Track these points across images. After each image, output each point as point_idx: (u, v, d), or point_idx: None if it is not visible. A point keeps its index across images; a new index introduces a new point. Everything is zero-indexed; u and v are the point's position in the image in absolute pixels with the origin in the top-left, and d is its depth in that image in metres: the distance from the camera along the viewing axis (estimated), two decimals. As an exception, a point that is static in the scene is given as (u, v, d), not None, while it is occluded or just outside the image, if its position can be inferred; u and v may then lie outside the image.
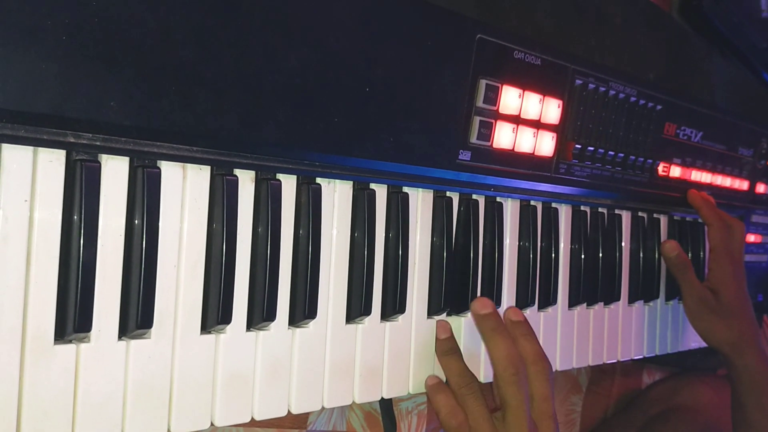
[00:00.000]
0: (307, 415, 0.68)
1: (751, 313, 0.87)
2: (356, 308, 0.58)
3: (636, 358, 0.88)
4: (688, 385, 1.04)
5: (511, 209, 0.72)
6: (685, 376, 1.08)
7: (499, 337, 0.62)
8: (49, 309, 0.42)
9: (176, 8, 0.44)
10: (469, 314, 0.67)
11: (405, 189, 0.61)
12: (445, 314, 0.65)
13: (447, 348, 0.63)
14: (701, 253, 0.97)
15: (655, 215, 0.90)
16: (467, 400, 0.60)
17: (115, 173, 0.44)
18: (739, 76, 1.08)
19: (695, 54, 0.96)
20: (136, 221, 0.45)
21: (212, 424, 0.49)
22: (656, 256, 0.90)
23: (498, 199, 0.70)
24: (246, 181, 0.51)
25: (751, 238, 1.11)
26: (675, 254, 0.87)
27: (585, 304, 0.80)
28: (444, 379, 0.63)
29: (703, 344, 1.00)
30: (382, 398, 0.68)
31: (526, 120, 0.68)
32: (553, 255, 0.75)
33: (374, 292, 0.59)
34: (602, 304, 0.83)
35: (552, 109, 0.71)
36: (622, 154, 0.80)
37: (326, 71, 0.52)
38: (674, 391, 1.04)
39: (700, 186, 0.95)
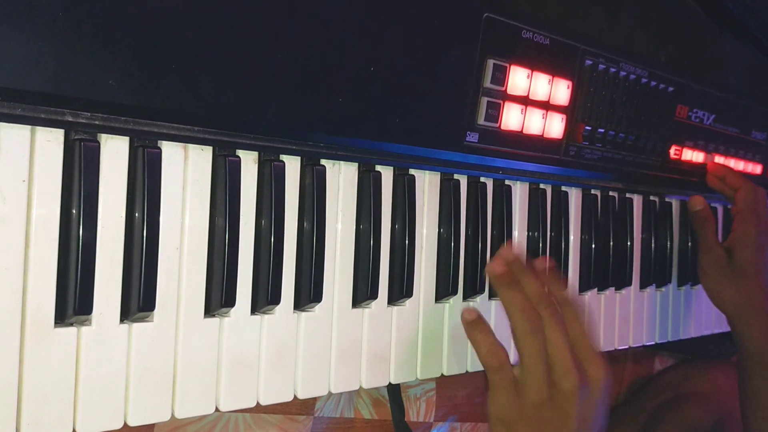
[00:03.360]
0: (314, 401, 0.67)
1: (765, 280, 0.84)
2: (362, 292, 0.57)
3: (648, 344, 0.87)
4: (700, 370, 1.03)
5: (519, 192, 0.70)
6: (697, 362, 1.06)
7: (528, 276, 0.58)
8: (49, 291, 0.41)
9: (175, -16, 0.43)
10: (478, 299, 0.66)
11: (411, 171, 0.60)
12: (452, 298, 0.64)
13: (509, 281, 0.58)
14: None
15: (666, 199, 0.89)
16: (528, 341, 0.55)
17: (114, 153, 0.44)
18: (752, 59, 1.06)
19: (708, 36, 0.94)
20: (137, 202, 0.44)
21: (217, 409, 0.49)
22: (668, 240, 0.88)
23: (506, 182, 0.69)
24: (249, 162, 0.50)
25: (765, 222, 1.09)
26: (700, 208, 0.86)
27: (596, 290, 0.79)
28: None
29: (716, 330, 0.99)
30: (390, 384, 0.67)
31: (534, 101, 0.67)
32: (562, 239, 0.74)
33: (381, 276, 0.58)
34: (613, 289, 0.81)
35: (561, 90, 0.70)
36: (633, 137, 0.79)
37: (330, 50, 0.51)
38: (686, 376, 1.03)
39: (712, 169, 0.93)
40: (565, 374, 0.55)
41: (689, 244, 0.91)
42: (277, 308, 0.52)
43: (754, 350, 0.81)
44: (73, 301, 0.41)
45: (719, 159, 0.94)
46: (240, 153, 0.49)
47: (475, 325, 0.57)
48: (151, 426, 0.57)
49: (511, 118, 0.65)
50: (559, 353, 0.55)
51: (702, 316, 0.96)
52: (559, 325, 0.57)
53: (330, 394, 0.66)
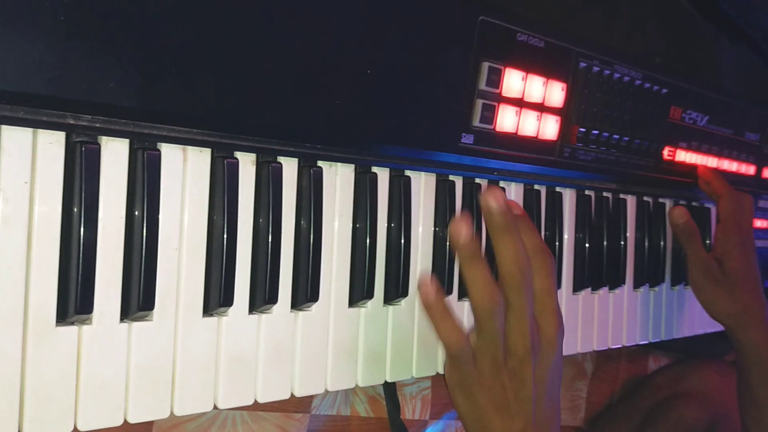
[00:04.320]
0: (310, 399, 0.68)
1: (758, 286, 0.85)
2: (359, 292, 0.58)
3: (642, 343, 0.88)
4: (695, 370, 1.04)
5: (514, 193, 0.71)
6: (692, 362, 1.07)
7: (508, 236, 0.55)
8: (50, 291, 0.42)
9: (175, -11, 0.43)
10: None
11: (407, 172, 0.61)
12: (447, 297, 0.64)
13: (471, 253, 0.55)
14: (707, 239, 0.97)
15: (660, 200, 0.90)
16: (486, 313, 0.54)
17: (115, 155, 0.44)
18: (747, 60, 1.07)
19: (702, 38, 0.95)
20: (137, 203, 0.45)
21: (215, 407, 0.49)
22: (661, 240, 0.89)
23: (501, 182, 0.70)
24: (247, 163, 0.51)
25: (758, 223, 1.10)
26: (683, 221, 0.85)
27: (590, 289, 0.80)
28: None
29: (711, 329, 1.00)
30: (386, 382, 0.68)
31: (529, 103, 0.68)
32: (557, 239, 0.75)
33: (377, 276, 0.58)
34: (607, 288, 0.82)
35: (556, 92, 0.70)
36: (627, 138, 0.80)
37: (327, 53, 0.52)
38: (680, 376, 1.04)
39: (706, 170, 0.94)
40: (519, 340, 0.55)
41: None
42: (275, 308, 0.52)
43: (755, 357, 0.82)
44: (75, 301, 0.42)
45: (713, 160, 0.95)
46: (238, 155, 0.50)
47: (430, 307, 0.55)
48: (150, 423, 0.57)
49: (506, 119, 0.66)
50: (516, 321, 0.55)
51: (695, 316, 0.97)
52: (524, 291, 0.55)
53: (327, 392, 0.67)
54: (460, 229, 0.54)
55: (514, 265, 0.55)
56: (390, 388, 0.72)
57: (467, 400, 0.56)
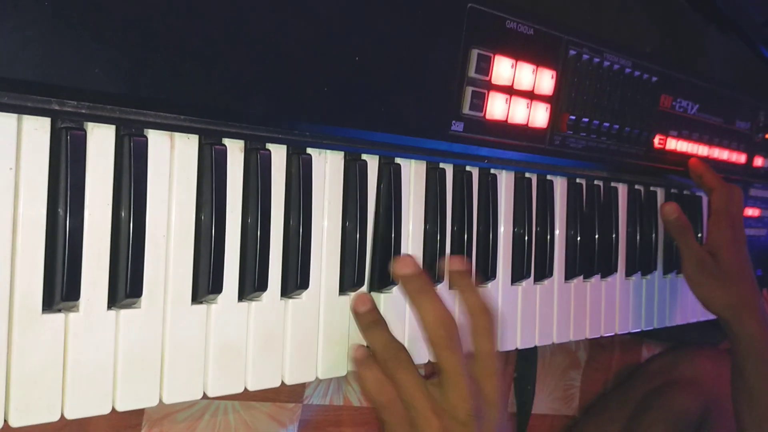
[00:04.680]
0: (303, 388, 0.68)
1: (751, 278, 0.85)
2: (349, 280, 0.57)
3: (634, 331, 0.88)
4: (687, 358, 1.04)
5: (505, 181, 0.71)
6: (684, 350, 1.08)
7: (425, 297, 0.54)
8: (36, 278, 0.42)
9: (159, -27, 0.43)
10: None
11: (397, 160, 0.61)
12: (439, 285, 0.64)
13: (369, 321, 0.56)
14: (699, 228, 0.97)
15: (652, 188, 0.90)
16: (396, 372, 0.53)
17: (101, 141, 0.44)
18: (736, 50, 1.07)
19: (692, 28, 0.95)
20: (124, 190, 0.45)
21: (205, 395, 0.49)
22: (653, 228, 0.89)
23: (492, 170, 0.69)
24: (235, 150, 0.50)
25: (750, 212, 1.10)
26: (675, 217, 0.85)
27: (582, 277, 0.80)
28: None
29: (703, 318, 1.00)
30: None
31: (519, 91, 0.68)
32: (548, 227, 0.75)
33: (367, 264, 0.58)
34: (599, 276, 0.82)
35: (545, 80, 0.70)
36: (617, 126, 0.80)
37: (315, 40, 0.51)
38: (673, 364, 1.04)
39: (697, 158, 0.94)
40: (460, 403, 0.53)
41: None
42: (264, 295, 0.52)
43: (751, 349, 0.82)
44: (61, 288, 0.42)
45: (703, 148, 0.95)
46: (226, 141, 0.50)
47: (361, 365, 0.54)
48: (141, 413, 0.57)
49: (496, 107, 0.66)
50: (452, 383, 0.53)
51: (688, 304, 0.97)
52: (455, 352, 0.53)
53: (318, 380, 0.67)
54: (358, 300, 0.56)
55: (438, 326, 0.54)
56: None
57: None
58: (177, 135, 0.47)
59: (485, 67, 0.64)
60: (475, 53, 0.63)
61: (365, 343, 0.57)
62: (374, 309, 0.57)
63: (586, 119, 0.76)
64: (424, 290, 0.55)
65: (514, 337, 0.72)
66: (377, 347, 0.55)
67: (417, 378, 0.53)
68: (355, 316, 0.57)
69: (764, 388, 0.82)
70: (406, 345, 0.58)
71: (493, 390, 0.55)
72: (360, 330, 0.57)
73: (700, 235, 0.96)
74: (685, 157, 0.92)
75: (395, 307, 0.61)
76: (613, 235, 0.83)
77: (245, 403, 0.64)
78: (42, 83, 0.40)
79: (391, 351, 0.54)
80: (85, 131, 0.43)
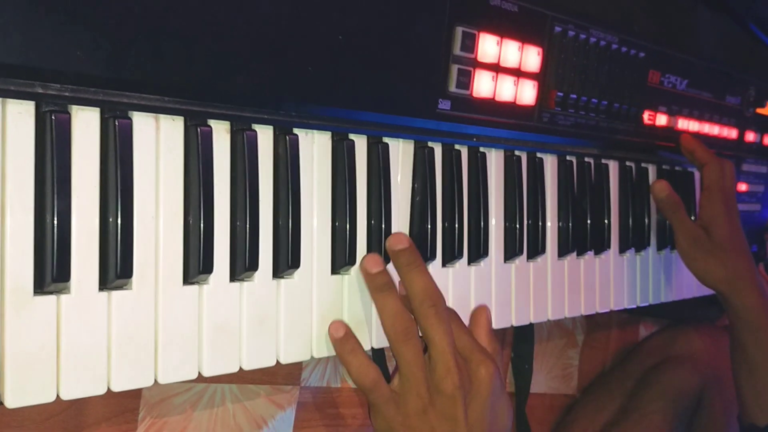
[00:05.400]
0: (299, 371, 0.68)
1: (746, 250, 0.85)
2: (341, 258, 0.58)
3: (629, 307, 0.88)
4: (684, 334, 1.04)
5: (495, 159, 0.71)
6: (681, 327, 1.08)
7: (415, 270, 0.56)
8: (26, 261, 0.42)
9: (138, -45, 0.43)
10: (456, 264, 0.67)
11: (385, 140, 0.61)
12: (431, 263, 0.65)
13: (380, 283, 0.56)
14: (692, 203, 0.97)
15: (643, 165, 0.90)
16: (402, 345, 0.54)
17: (86, 124, 0.44)
18: (725, 27, 1.07)
19: (681, 6, 0.95)
20: (110, 172, 0.45)
21: (200, 375, 0.50)
22: (645, 205, 0.89)
23: (481, 149, 0.70)
24: (221, 131, 0.51)
25: (742, 187, 1.11)
26: (665, 194, 0.85)
27: (575, 254, 0.80)
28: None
29: (698, 293, 1.01)
30: (375, 353, 0.68)
31: (505, 68, 0.68)
32: (539, 204, 0.75)
33: (358, 243, 0.59)
34: (592, 253, 0.83)
35: (532, 57, 0.71)
36: (605, 102, 0.80)
37: (298, 18, 0.52)
38: (671, 341, 1.04)
39: (688, 134, 0.94)
40: (445, 375, 0.53)
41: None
42: (256, 275, 0.52)
43: (749, 321, 0.82)
44: (51, 269, 0.42)
45: (694, 124, 0.96)
46: (212, 123, 0.50)
47: (343, 342, 0.55)
48: (138, 397, 0.58)
49: (483, 85, 0.66)
50: (439, 355, 0.54)
51: (683, 280, 0.97)
52: (441, 324, 0.55)
53: (315, 362, 0.67)
54: (370, 260, 0.56)
55: (425, 295, 0.55)
56: (380, 359, 0.72)
57: None
58: (162, 117, 0.48)
59: (470, 44, 0.64)
60: (459, 31, 0.63)
61: (373, 310, 0.58)
62: (385, 271, 0.56)
63: (574, 96, 0.76)
64: (413, 264, 0.56)
65: (509, 314, 0.73)
66: (386, 314, 0.55)
67: (420, 353, 0.54)
68: (366, 277, 0.56)
69: (764, 359, 0.82)
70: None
71: (483, 368, 0.56)
72: (370, 292, 0.57)
73: (693, 203, 0.96)
74: (675, 133, 0.92)
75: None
76: (605, 212, 0.83)
77: (242, 386, 0.64)
78: (24, 66, 0.40)
79: (400, 321, 0.55)
80: (69, 114, 0.43)
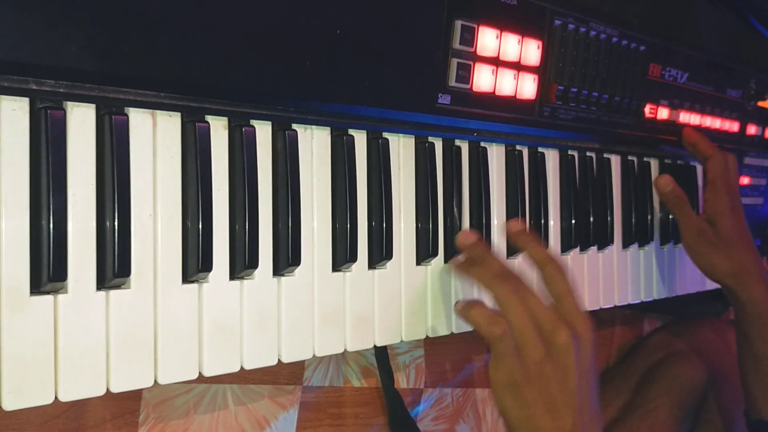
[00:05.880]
0: (302, 370, 0.67)
1: (751, 243, 0.85)
2: (341, 256, 0.57)
3: (633, 302, 0.87)
4: (689, 329, 1.04)
5: (496, 154, 0.71)
6: (686, 322, 1.07)
7: (485, 259, 0.60)
8: (22, 260, 0.41)
9: (132, -52, 0.43)
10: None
11: (385, 135, 0.61)
12: (434, 260, 0.64)
13: (477, 254, 0.61)
14: (695, 197, 0.96)
15: (645, 159, 0.89)
16: (513, 302, 0.56)
17: (81, 121, 0.44)
18: (725, 20, 1.07)
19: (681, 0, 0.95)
20: (107, 170, 0.44)
21: (201, 375, 0.49)
22: (648, 199, 0.89)
23: (482, 144, 0.69)
24: (219, 127, 0.50)
25: (745, 180, 1.10)
26: (669, 189, 0.84)
27: (578, 249, 0.79)
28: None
29: (702, 288, 1.00)
30: (378, 352, 0.68)
31: (505, 62, 0.68)
32: (541, 200, 0.74)
33: (359, 239, 0.58)
34: (596, 248, 0.82)
35: (532, 51, 0.70)
36: (606, 96, 0.79)
37: (295, 12, 0.51)
38: (676, 335, 1.03)
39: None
40: (556, 328, 0.56)
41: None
42: (256, 273, 0.52)
43: (755, 314, 0.82)
44: (47, 269, 0.42)
45: (695, 117, 0.95)
46: (209, 119, 0.49)
47: (468, 308, 0.57)
48: (138, 399, 0.57)
49: (483, 79, 0.66)
50: (542, 313, 0.56)
51: (687, 274, 0.97)
52: (530, 290, 0.58)
53: (317, 362, 0.67)
54: (468, 235, 0.62)
55: (502, 278, 0.58)
56: (382, 357, 0.71)
57: (516, 400, 0.55)
58: (159, 113, 0.47)
59: (469, 38, 0.64)
60: (458, 24, 0.62)
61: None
62: (480, 240, 0.62)
63: (575, 89, 0.75)
64: (485, 255, 0.61)
65: (513, 310, 0.72)
66: (487, 277, 0.58)
67: (526, 308, 0.56)
68: (462, 249, 0.62)
69: None
70: (403, 315, 0.60)
71: (582, 324, 0.58)
72: (466, 268, 0.61)
73: (696, 197, 0.95)
74: (676, 126, 0.91)
75: (389, 283, 0.60)
76: (608, 207, 0.83)
77: (245, 387, 0.63)
78: (17, 62, 0.40)
79: (509, 278, 0.58)
80: (64, 111, 0.43)
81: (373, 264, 0.60)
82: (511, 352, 0.55)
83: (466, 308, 0.57)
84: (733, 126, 1.04)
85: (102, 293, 0.44)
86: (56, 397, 0.42)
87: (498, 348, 0.55)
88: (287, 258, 0.53)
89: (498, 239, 0.70)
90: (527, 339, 0.55)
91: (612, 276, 0.84)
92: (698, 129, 0.94)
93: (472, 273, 0.60)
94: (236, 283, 0.51)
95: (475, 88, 0.65)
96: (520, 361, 0.55)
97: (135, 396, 0.57)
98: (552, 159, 0.77)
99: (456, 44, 0.63)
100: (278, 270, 0.53)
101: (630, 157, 0.87)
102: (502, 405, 0.56)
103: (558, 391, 0.55)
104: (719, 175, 0.86)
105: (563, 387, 0.55)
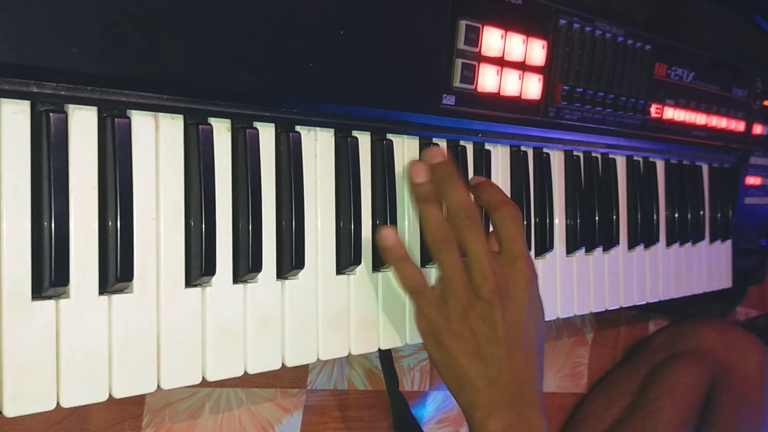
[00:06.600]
0: (306, 374, 0.67)
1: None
2: (346, 259, 0.57)
3: (639, 304, 0.87)
4: (692, 329, 1.03)
5: (501, 155, 0.70)
6: (689, 321, 1.06)
7: (451, 184, 0.58)
8: (23, 265, 0.41)
9: (134, -51, 0.42)
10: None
11: (389, 136, 0.60)
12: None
13: (425, 193, 0.58)
14: (700, 200, 0.96)
15: (651, 159, 0.89)
16: (443, 255, 0.56)
17: (83, 124, 0.43)
18: (729, 19, 1.06)
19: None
20: (109, 173, 0.44)
21: (204, 380, 0.48)
22: (654, 200, 0.88)
23: (487, 145, 0.68)
24: (222, 130, 0.49)
25: (751, 180, 1.09)
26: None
27: (583, 250, 0.79)
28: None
29: (709, 288, 0.99)
30: (383, 355, 0.68)
31: (510, 62, 0.67)
32: (547, 201, 0.74)
33: (363, 242, 0.57)
34: (601, 249, 0.81)
35: (537, 50, 0.69)
36: (612, 96, 0.78)
37: (298, 13, 0.50)
38: (678, 335, 1.03)
39: (695, 127, 0.93)
40: (482, 282, 0.56)
41: (675, 202, 0.92)
42: (260, 276, 0.51)
43: None
44: (49, 273, 0.41)
45: (701, 117, 0.94)
46: (212, 121, 0.49)
47: (393, 250, 0.57)
48: (141, 403, 0.56)
49: (487, 79, 0.65)
50: (476, 262, 0.56)
51: (693, 275, 0.96)
52: (476, 233, 0.57)
53: (321, 365, 0.66)
54: (418, 169, 0.59)
55: (459, 207, 0.57)
56: (387, 360, 0.71)
57: (438, 348, 0.57)
58: (161, 115, 0.46)
59: (474, 38, 0.63)
60: (463, 24, 0.62)
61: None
62: (429, 183, 0.58)
63: (580, 89, 0.75)
64: (450, 176, 0.59)
65: (518, 312, 0.71)
66: (428, 222, 0.57)
67: (459, 260, 0.56)
68: (412, 186, 0.59)
69: None
70: (407, 318, 0.60)
71: (519, 274, 0.58)
72: (416, 202, 0.59)
73: (703, 200, 0.95)
74: (683, 126, 0.91)
75: (393, 285, 0.60)
76: (614, 208, 0.82)
77: (248, 390, 0.63)
78: (18, 65, 0.39)
79: (441, 230, 0.57)
80: (66, 113, 0.42)
81: (377, 267, 0.59)
82: (429, 303, 0.56)
83: (387, 248, 0.57)
84: (739, 125, 1.03)
85: (104, 298, 0.44)
86: (58, 403, 0.42)
87: (416, 300, 0.57)
88: (291, 261, 0.52)
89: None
90: (452, 291, 0.56)
91: (618, 277, 0.83)
92: (704, 129, 0.94)
93: (418, 208, 0.59)
94: (239, 286, 0.50)
95: (479, 89, 0.65)
96: (443, 311, 0.56)
97: (138, 400, 0.56)
98: (557, 159, 0.76)
99: (460, 44, 0.62)
100: (282, 273, 0.53)
101: (636, 158, 0.87)
102: (428, 351, 0.58)
103: (482, 342, 0.56)
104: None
105: (488, 338, 0.56)
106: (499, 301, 0.56)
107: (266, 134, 0.52)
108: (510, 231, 0.59)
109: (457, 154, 0.65)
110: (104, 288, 0.44)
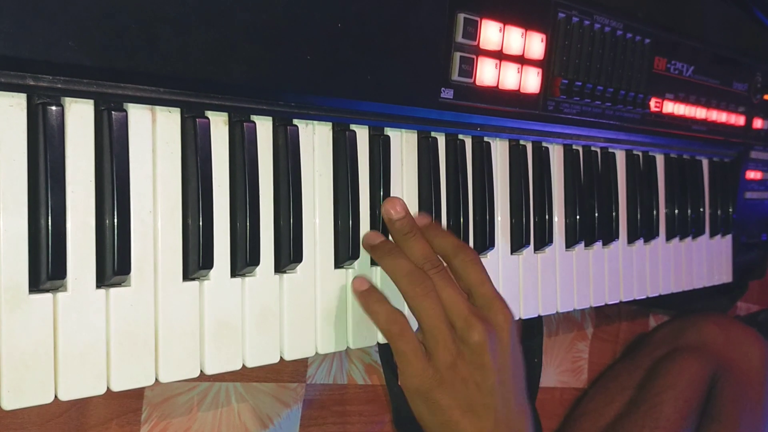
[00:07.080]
0: (305, 368, 0.67)
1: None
2: (344, 253, 0.56)
3: (639, 298, 0.87)
4: (693, 324, 1.03)
5: (500, 149, 0.70)
6: (690, 316, 1.06)
7: (411, 237, 0.56)
8: (21, 258, 0.41)
9: (130, -59, 0.42)
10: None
11: (387, 130, 0.60)
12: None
13: (389, 248, 0.56)
14: (701, 195, 0.96)
15: (650, 153, 0.89)
16: (423, 301, 0.53)
17: (80, 117, 0.43)
18: (729, 12, 1.06)
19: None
20: (106, 166, 0.44)
21: (202, 373, 0.48)
22: (653, 194, 0.88)
23: (486, 138, 0.68)
24: (219, 123, 0.49)
25: (751, 174, 1.09)
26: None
27: (583, 245, 0.79)
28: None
29: (709, 283, 0.99)
30: (382, 349, 0.67)
31: (509, 55, 0.67)
32: (546, 195, 0.73)
33: (361, 236, 0.57)
34: (601, 244, 0.81)
35: (535, 44, 0.69)
36: (611, 90, 0.78)
37: (296, 6, 0.50)
38: (679, 330, 1.03)
39: (694, 121, 0.93)
40: (469, 327, 0.53)
41: (675, 197, 0.91)
42: (258, 270, 0.51)
43: None
44: (46, 267, 0.41)
45: (701, 111, 0.94)
46: (209, 114, 0.49)
47: (367, 295, 0.55)
48: (140, 397, 0.56)
49: (486, 73, 0.65)
50: (456, 309, 0.54)
51: (693, 270, 0.96)
52: (448, 281, 0.55)
53: (321, 359, 0.66)
54: (375, 232, 0.57)
55: (425, 260, 0.55)
56: (386, 355, 0.71)
57: (429, 406, 0.53)
58: (158, 108, 0.46)
59: (472, 31, 0.63)
60: (461, 17, 0.62)
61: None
62: (387, 240, 0.57)
63: (579, 83, 0.74)
64: (411, 232, 0.57)
65: (517, 307, 0.71)
66: (400, 273, 0.55)
67: (440, 307, 0.54)
68: (372, 248, 0.57)
69: None
70: (406, 312, 0.58)
71: (499, 315, 0.56)
72: (380, 257, 0.57)
73: (703, 196, 0.94)
74: (682, 120, 0.90)
75: (391, 283, 0.59)
76: (613, 202, 0.82)
77: (248, 385, 0.63)
78: (14, 57, 0.39)
79: (417, 277, 0.54)
80: (62, 107, 0.42)
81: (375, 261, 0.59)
82: (413, 352, 0.53)
83: (365, 297, 0.54)
84: (739, 120, 1.03)
85: (102, 291, 0.44)
86: (56, 397, 0.42)
87: (398, 347, 0.53)
88: (289, 255, 0.52)
89: (501, 235, 0.69)
90: (438, 341, 0.52)
91: (617, 272, 0.83)
92: (704, 123, 0.94)
93: (383, 264, 0.56)
94: (237, 280, 0.50)
95: (478, 82, 0.64)
96: (430, 364, 0.53)
97: (137, 395, 0.56)
98: (556, 153, 0.76)
99: (459, 38, 0.62)
100: (280, 267, 0.53)
101: (635, 152, 0.86)
102: (416, 412, 0.54)
103: (475, 393, 0.53)
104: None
105: (481, 387, 0.53)
106: (489, 345, 0.53)
107: (264, 127, 0.52)
108: (476, 275, 0.56)
109: (456, 147, 0.65)
110: (102, 281, 0.44)
